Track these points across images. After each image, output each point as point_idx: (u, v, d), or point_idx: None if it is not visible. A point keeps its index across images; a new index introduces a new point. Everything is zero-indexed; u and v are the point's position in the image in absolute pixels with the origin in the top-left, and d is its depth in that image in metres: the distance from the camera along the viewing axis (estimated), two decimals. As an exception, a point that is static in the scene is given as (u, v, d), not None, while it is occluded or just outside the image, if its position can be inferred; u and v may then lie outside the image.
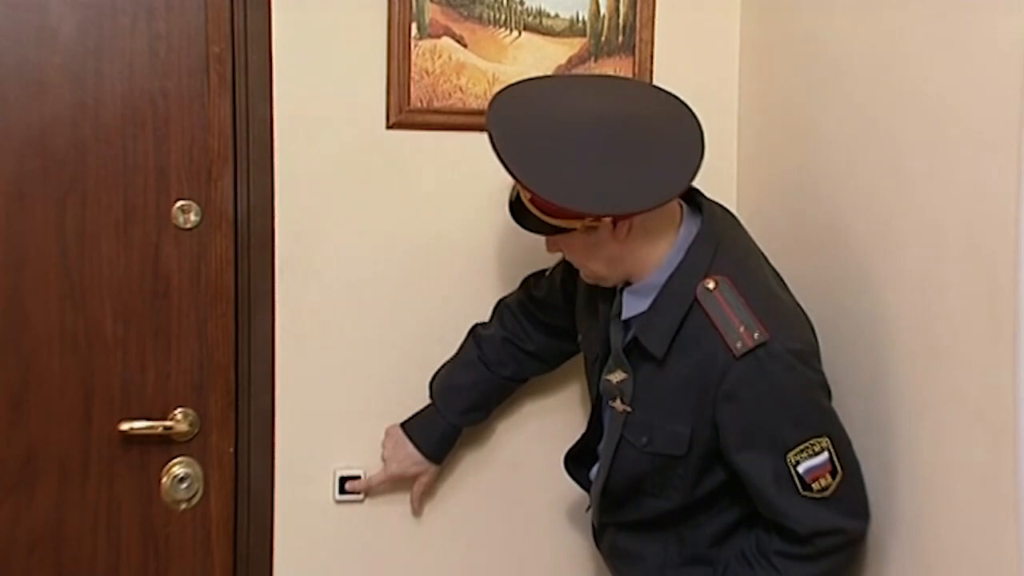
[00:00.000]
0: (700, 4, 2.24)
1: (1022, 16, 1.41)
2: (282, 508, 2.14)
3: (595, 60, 2.17)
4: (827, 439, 1.68)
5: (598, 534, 2.01)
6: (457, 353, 2.12)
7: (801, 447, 1.66)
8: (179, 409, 2.09)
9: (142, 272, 2.05)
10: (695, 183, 1.74)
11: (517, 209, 1.76)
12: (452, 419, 2.09)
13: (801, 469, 1.66)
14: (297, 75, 2.08)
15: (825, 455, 1.67)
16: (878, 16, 1.77)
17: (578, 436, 2.00)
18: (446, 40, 2.13)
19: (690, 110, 1.79)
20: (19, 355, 2.02)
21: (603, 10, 2.18)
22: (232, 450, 2.11)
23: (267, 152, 2.07)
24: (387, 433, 2.13)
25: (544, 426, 2.23)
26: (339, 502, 2.16)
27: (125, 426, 2.05)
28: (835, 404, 1.83)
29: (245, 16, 2.05)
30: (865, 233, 1.79)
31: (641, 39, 2.20)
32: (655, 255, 1.74)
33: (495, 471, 2.23)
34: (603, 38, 2.19)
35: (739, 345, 1.65)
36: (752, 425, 1.68)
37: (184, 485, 2.10)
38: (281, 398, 2.12)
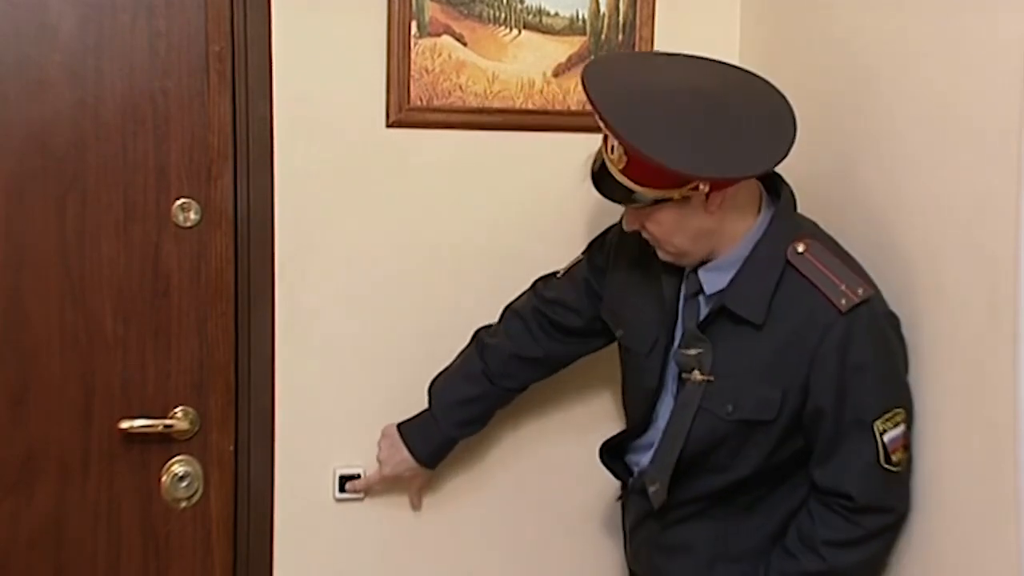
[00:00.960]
0: (700, 2, 2.24)
1: (1022, 15, 1.41)
2: (282, 506, 2.14)
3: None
4: (904, 411, 1.68)
5: (635, 529, 1.95)
6: (460, 361, 2.10)
7: (888, 416, 1.66)
8: (179, 407, 2.09)
9: (142, 271, 2.05)
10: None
11: (601, 179, 1.72)
12: (450, 431, 2.07)
13: (887, 439, 1.65)
14: (297, 73, 2.08)
15: (903, 427, 1.67)
16: (878, 16, 1.78)
17: (581, 433, 2.00)
18: (446, 38, 2.13)
19: (774, 87, 1.78)
20: (19, 353, 2.02)
21: (603, 8, 2.18)
22: (232, 449, 2.11)
23: (267, 151, 2.07)
24: (383, 433, 2.12)
25: (542, 425, 2.23)
26: (339, 500, 2.16)
27: (125, 424, 2.05)
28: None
29: (245, 14, 2.04)
30: (865, 232, 1.79)
31: (641, 37, 2.20)
32: (740, 230, 1.73)
33: (494, 470, 2.23)
34: (603, 36, 2.18)
35: (843, 301, 1.64)
36: (847, 385, 1.65)
37: (184, 483, 2.10)
38: (281, 397, 2.12)
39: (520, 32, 2.15)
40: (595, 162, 1.74)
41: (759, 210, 1.75)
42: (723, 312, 1.73)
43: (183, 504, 2.11)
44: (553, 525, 2.26)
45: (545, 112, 2.17)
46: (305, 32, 2.07)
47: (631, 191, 1.68)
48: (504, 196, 2.19)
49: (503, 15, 2.15)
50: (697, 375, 1.75)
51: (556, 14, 2.17)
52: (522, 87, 2.16)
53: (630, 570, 2.05)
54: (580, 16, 2.17)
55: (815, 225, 1.80)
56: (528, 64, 2.15)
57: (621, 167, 1.66)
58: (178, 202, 2.06)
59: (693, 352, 1.76)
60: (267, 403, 2.11)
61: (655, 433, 1.85)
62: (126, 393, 2.06)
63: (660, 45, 2.20)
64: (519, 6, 2.15)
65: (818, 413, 1.68)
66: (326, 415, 2.14)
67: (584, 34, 2.18)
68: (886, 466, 1.65)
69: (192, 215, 2.06)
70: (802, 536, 1.71)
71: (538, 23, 2.15)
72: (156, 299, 2.07)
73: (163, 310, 2.07)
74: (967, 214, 1.54)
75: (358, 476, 2.15)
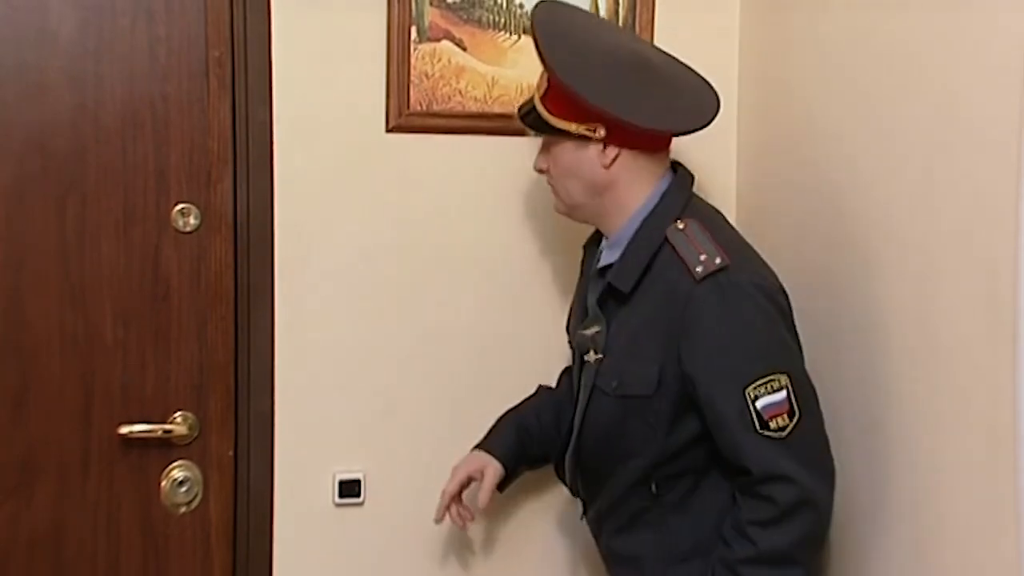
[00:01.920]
0: (699, 6, 2.25)
1: (1022, 15, 1.42)
2: (281, 511, 2.13)
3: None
4: (786, 377, 1.69)
5: (596, 539, 2.00)
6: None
7: (760, 381, 1.67)
8: (179, 412, 2.09)
9: (142, 274, 2.05)
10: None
11: (525, 110, 1.88)
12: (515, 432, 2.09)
13: (760, 404, 1.67)
14: (297, 78, 2.08)
15: (784, 393, 1.68)
16: (877, 17, 1.78)
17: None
18: (446, 44, 2.13)
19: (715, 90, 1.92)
20: (19, 357, 2.01)
21: (603, 13, 2.19)
22: (232, 453, 2.11)
23: (267, 155, 2.08)
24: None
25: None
26: (338, 505, 2.15)
27: (125, 429, 2.05)
28: (834, 405, 1.83)
29: (245, 19, 2.05)
30: (865, 232, 1.79)
31: (640, 42, 2.20)
32: (633, 200, 1.82)
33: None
34: (602, 41, 2.19)
35: (699, 269, 1.71)
36: (712, 353, 1.69)
37: (184, 488, 2.09)
38: (281, 401, 2.12)
39: (520, 37, 2.16)
40: (523, 100, 1.91)
41: (657, 184, 1.84)
42: (610, 288, 1.80)
43: (183, 509, 2.10)
44: (554, 531, 2.26)
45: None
46: (305, 37, 2.08)
47: (540, 117, 1.82)
48: (503, 201, 2.19)
49: (503, 20, 2.16)
50: (592, 355, 1.82)
51: (555, 19, 2.17)
52: (522, 92, 2.16)
53: None
54: (580, 21, 2.18)
55: (711, 209, 1.87)
56: (528, 69, 2.15)
57: (540, 94, 1.83)
58: (178, 206, 2.06)
59: (590, 332, 1.83)
60: (267, 407, 2.11)
61: None
62: (125, 397, 2.06)
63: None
64: (519, 11, 2.16)
65: (693, 384, 1.71)
66: (326, 419, 2.14)
67: (583, 39, 2.18)
68: (764, 432, 1.67)
69: (192, 219, 2.06)
70: (733, 522, 1.72)
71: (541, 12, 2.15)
72: (156, 303, 2.07)
73: (163, 314, 2.07)
74: (967, 215, 1.54)
75: (358, 480, 2.15)
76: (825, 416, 1.85)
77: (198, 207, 2.07)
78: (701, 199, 1.88)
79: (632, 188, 1.83)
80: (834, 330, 1.88)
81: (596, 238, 1.98)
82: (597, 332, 1.82)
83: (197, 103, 2.05)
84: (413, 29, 2.11)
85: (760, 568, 1.69)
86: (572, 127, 1.80)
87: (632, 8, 2.19)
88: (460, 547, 2.22)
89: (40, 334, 2.02)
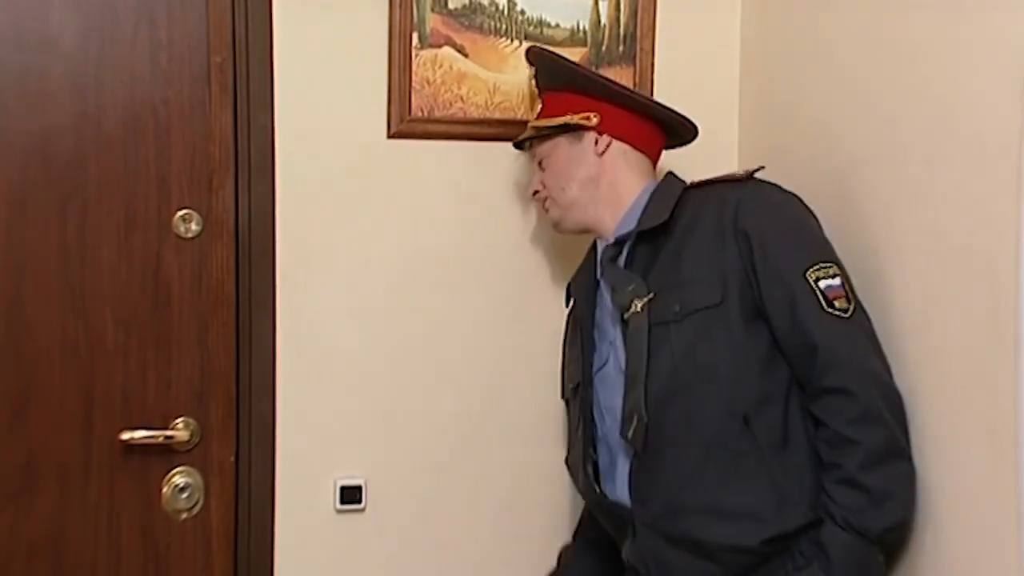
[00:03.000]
0: (700, 14, 2.25)
1: (1022, 17, 1.42)
2: (283, 517, 2.13)
3: (596, 69, 2.17)
4: (838, 268, 1.73)
5: (667, 530, 1.78)
6: None
7: (817, 266, 1.71)
8: (180, 418, 2.08)
9: (143, 281, 2.05)
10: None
11: (521, 142, 2.02)
12: None
13: (823, 285, 1.70)
14: (298, 84, 2.08)
15: (839, 279, 1.71)
16: (878, 22, 1.78)
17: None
18: (447, 50, 2.13)
19: None
20: (20, 363, 2.01)
21: (604, 20, 2.19)
22: (233, 459, 2.11)
23: (268, 161, 2.08)
24: None
25: (544, 437, 2.23)
26: (340, 511, 2.15)
27: (126, 435, 2.04)
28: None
29: (246, 25, 2.05)
30: (865, 237, 1.79)
31: (642, 48, 2.20)
32: (625, 190, 1.90)
33: (495, 482, 2.22)
34: (604, 48, 2.19)
35: (740, 174, 1.84)
36: (771, 248, 1.72)
37: (185, 494, 2.09)
38: (282, 407, 2.11)
39: (521, 43, 2.16)
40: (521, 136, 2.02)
41: (650, 178, 1.93)
42: (639, 239, 1.84)
43: (184, 515, 2.10)
44: (554, 537, 2.25)
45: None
46: (306, 43, 2.08)
47: (536, 128, 1.94)
48: (505, 207, 2.19)
49: (504, 26, 2.16)
50: (638, 304, 1.79)
51: (557, 25, 2.17)
52: (523, 98, 2.16)
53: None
54: (581, 27, 2.18)
55: None
56: (529, 75, 2.15)
57: (536, 115, 1.96)
58: (179, 213, 2.06)
59: (629, 288, 1.81)
60: (268, 413, 2.11)
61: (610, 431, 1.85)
62: (127, 403, 2.06)
63: (661, 56, 2.21)
64: (520, 17, 2.16)
65: (756, 278, 1.73)
66: (327, 425, 2.14)
67: (585, 45, 2.18)
68: (830, 311, 1.68)
69: (193, 226, 2.06)
70: (826, 440, 1.67)
71: (539, 34, 2.15)
72: (157, 309, 2.06)
73: (164, 320, 2.07)
74: (968, 218, 1.54)
75: (359, 487, 2.15)
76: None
77: (200, 213, 2.06)
78: None
79: (625, 179, 1.90)
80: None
81: (583, 270, 2.01)
82: (633, 287, 1.80)
83: (199, 109, 2.06)
84: (415, 35, 2.11)
85: (875, 469, 1.63)
86: (568, 118, 1.89)
87: (634, 14, 2.19)
88: (461, 554, 2.22)
89: (41, 340, 2.02)
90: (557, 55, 1.95)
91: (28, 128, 1.99)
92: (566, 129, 1.91)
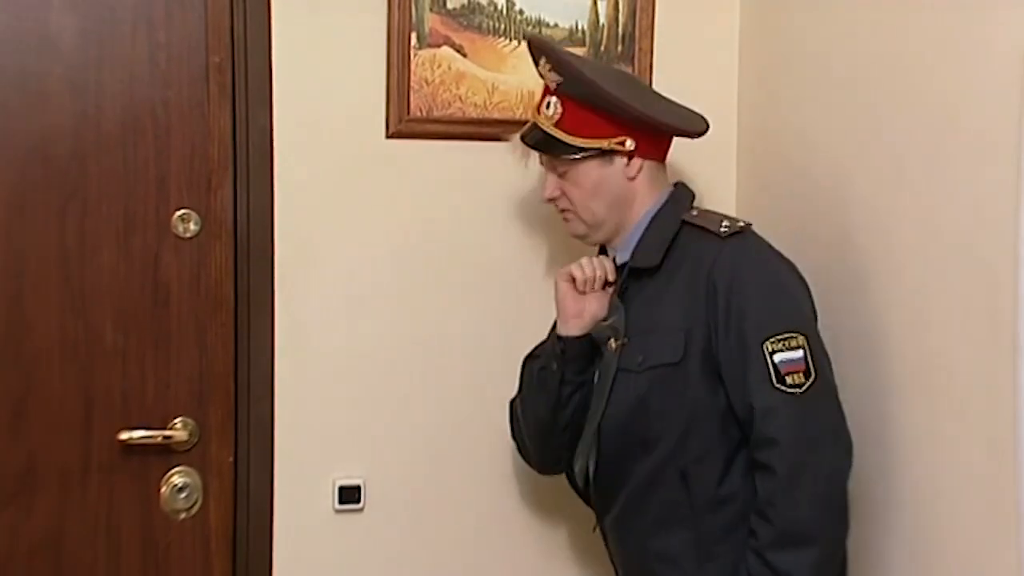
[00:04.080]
0: (699, 13, 2.25)
1: (1021, 20, 1.41)
2: (281, 517, 2.13)
3: (595, 69, 2.17)
4: (804, 338, 1.71)
5: (617, 542, 1.92)
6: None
7: (778, 337, 1.69)
8: (179, 418, 2.08)
9: (142, 281, 2.06)
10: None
11: (532, 137, 1.92)
12: None
13: (777, 359, 1.68)
14: (297, 84, 2.08)
15: (801, 352, 1.70)
16: (876, 25, 1.78)
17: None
18: (446, 50, 2.13)
19: None
20: (19, 364, 2.01)
21: (602, 19, 2.19)
22: (232, 459, 2.11)
23: (267, 161, 2.08)
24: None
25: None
26: (338, 511, 2.15)
27: (125, 435, 2.05)
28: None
29: (245, 25, 2.05)
30: (864, 239, 1.79)
31: (640, 48, 2.20)
32: (642, 207, 1.88)
33: (494, 481, 2.22)
34: (603, 47, 2.19)
35: (724, 229, 1.78)
36: (735, 309, 1.72)
37: (183, 494, 2.09)
38: (280, 407, 2.11)
39: (520, 43, 2.15)
40: (525, 131, 1.94)
41: (662, 190, 1.90)
42: (631, 274, 1.85)
43: (182, 515, 2.10)
44: (554, 534, 2.25)
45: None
46: (305, 43, 2.08)
47: (562, 141, 1.85)
48: (503, 207, 2.19)
49: (503, 26, 2.16)
50: (612, 343, 1.83)
51: (556, 25, 2.17)
52: (522, 98, 2.16)
53: None
54: (580, 27, 2.18)
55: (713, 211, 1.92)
56: (528, 75, 2.14)
57: (555, 121, 1.86)
58: (178, 213, 2.06)
59: (610, 320, 1.84)
60: (267, 414, 2.11)
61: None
62: (126, 404, 2.06)
63: (660, 56, 2.21)
64: (519, 17, 2.16)
65: (716, 338, 1.73)
66: (326, 426, 2.14)
67: (584, 45, 2.18)
68: (779, 386, 1.68)
69: (192, 226, 2.06)
70: (756, 506, 1.71)
71: (538, 34, 2.15)
72: (156, 309, 2.07)
73: (163, 320, 2.07)
74: (967, 222, 1.54)
75: (358, 487, 2.15)
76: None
77: (198, 213, 2.07)
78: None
79: (646, 198, 1.88)
80: (834, 338, 1.87)
81: None
82: (616, 319, 1.83)
83: (197, 109, 2.06)
84: (413, 35, 2.11)
85: (783, 551, 1.66)
86: (604, 143, 1.84)
87: (632, 14, 2.19)
88: (459, 554, 2.22)
89: (41, 340, 2.02)
90: (586, 68, 1.87)
91: (27, 129, 2.00)
92: (599, 153, 1.85)
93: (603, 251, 1.98)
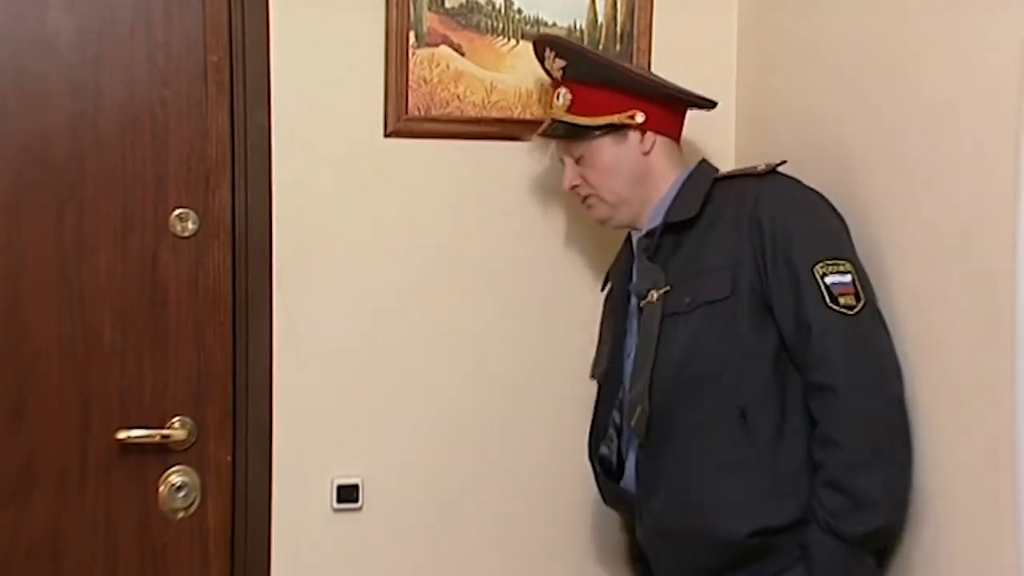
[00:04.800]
0: (697, 13, 2.25)
1: (1021, 17, 1.41)
2: (280, 516, 2.13)
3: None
4: (851, 265, 1.71)
5: (659, 506, 1.83)
6: None
7: (828, 261, 1.70)
8: (177, 417, 2.08)
9: (140, 280, 2.06)
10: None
11: (550, 129, 1.96)
12: None
13: (828, 281, 1.69)
14: (295, 83, 2.08)
15: (850, 277, 1.70)
16: (875, 22, 1.78)
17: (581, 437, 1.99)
18: (444, 49, 2.13)
19: None
20: (17, 363, 2.01)
21: (600, 19, 2.19)
22: (230, 458, 2.11)
23: (265, 160, 2.08)
24: None
25: (541, 435, 2.23)
26: (336, 510, 2.15)
27: (123, 435, 2.05)
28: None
29: (243, 25, 2.05)
30: (863, 237, 1.79)
31: (638, 48, 2.20)
32: (665, 183, 1.91)
33: (492, 480, 2.22)
34: (601, 47, 2.19)
35: (761, 168, 1.83)
36: (781, 238, 1.73)
37: (182, 494, 2.09)
38: (279, 406, 2.11)
39: (518, 42, 2.16)
40: (543, 128, 1.99)
41: (682, 169, 1.93)
42: (666, 230, 1.86)
43: (180, 514, 2.10)
44: (553, 531, 2.25)
45: (543, 122, 2.16)
46: (303, 42, 2.08)
47: (576, 125, 1.89)
48: (502, 206, 2.19)
49: (501, 25, 2.16)
50: (654, 294, 1.82)
51: (554, 24, 2.17)
52: (520, 97, 2.16)
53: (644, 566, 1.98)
54: (578, 26, 2.18)
55: None
56: (526, 74, 2.16)
57: (567, 107, 1.91)
58: (176, 212, 2.06)
59: (648, 278, 1.84)
60: (265, 413, 2.11)
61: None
62: (123, 403, 2.06)
63: (657, 55, 2.21)
64: (517, 16, 2.16)
65: (765, 271, 1.73)
66: (324, 425, 2.14)
67: (582, 44, 2.18)
68: (832, 306, 1.67)
69: (190, 225, 2.06)
70: (818, 437, 1.68)
71: (536, 33, 2.15)
72: (154, 309, 2.07)
73: (161, 320, 2.07)
74: (966, 219, 1.54)
75: (356, 486, 2.15)
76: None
77: (196, 212, 2.07)
78: None
79: (666, 174, 1.91)
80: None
81: (620, 258, 2.02)
82: (656, 278, 1.83)
83: (196, 108, 2.06)
84: (411, 34, 2.11)
85: (857, 473, 1.63)
86: (613, 118, 1.87)
87: (631, 13, 2.19)
88: (458, 553, 2.22)
89: (39, 340, 2.02)
90: (589, 49, 1.94)
91: (25, 128, 1.99)
92: (611, 129, 1.89)
93: (628, 239, 1.98)
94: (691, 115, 1.98)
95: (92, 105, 2.02)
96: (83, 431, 2.05)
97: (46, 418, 2.03)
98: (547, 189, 2.18)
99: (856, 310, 1.68)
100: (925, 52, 1.64)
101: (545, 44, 1.97)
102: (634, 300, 1.91)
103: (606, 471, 1.96)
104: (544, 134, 1.99)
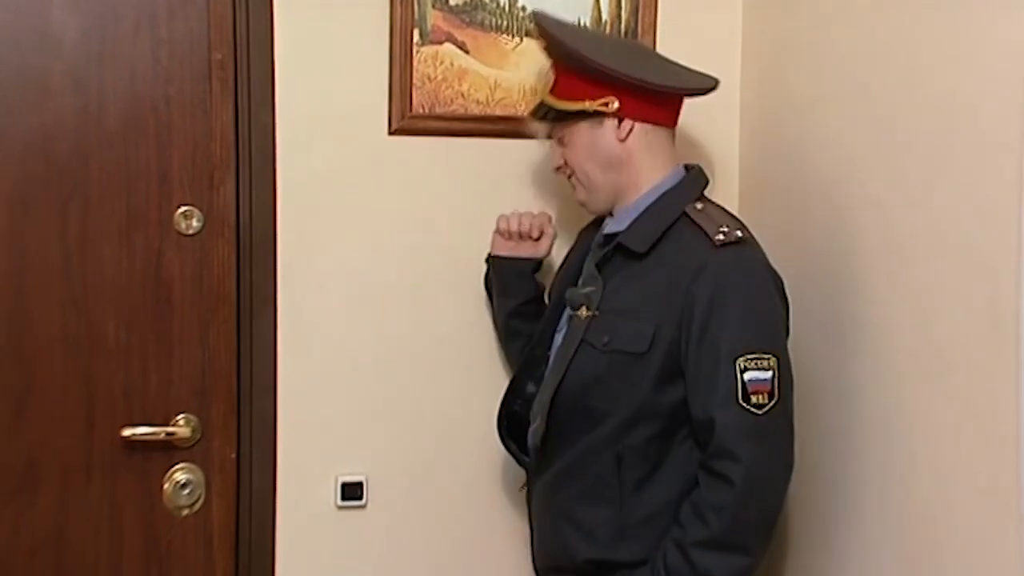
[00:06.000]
0: (701, 10, 2.25)
1: (1022, 18, 1.41)
2: (284, 514, 2.13)
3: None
4: (775, 360, 1.72)
5: (540, 503, 1.95)
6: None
7: (752, 356, 1.71)
8: (181, 415, 2.09)
9: (144, 278, 2.06)
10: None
11: (536, 110, 1.97)
12: None
13: (747, 377, 1.70)
14: (299, 81, 2.08)
15: (770, 374, 1.71)
16: (879, 22, 1.78)
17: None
18: (448, 46, 2.13)
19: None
20: (22, 360, 2.02)
21: (605, 16, 2.19)
22: (234, 456, 2.11)
23: (269, 158, 2.08)
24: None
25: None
26: (341, 508, 2.15)
27: (127, 432, 2.05)
28: (834, 408, 1.84)
29: (247, 22, 2.05)
30: (867, 236, 1.79)
31: (643, 45, 2.20)
32: (648, 178, 1.87)
33: (496, 478, 2.22)
34: (605, 44, 2.18)
35: (719, 238, 1.76)
36: (714, 318, 1.72)
37: (186, 491, 2.09)
38: (283, 404, 2.12)
39: (522, 40, 2.16)
40: (535, 106, 1.99)
41: (671, 164, 1.89)
42: (617, 249, 1.85)
43: (185, 512, 2.10)
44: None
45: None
46: (307, 39, 2.08)
47: (553, 107, 1.89)
48: (506, 204, 2.18)
49: (505, 23, 2.16)
50: (584, 311, 1.84)
51: (558, 22, 2.17)
52: (524, 95, 2.16)
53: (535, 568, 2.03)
54: (582, 23, 2.18)
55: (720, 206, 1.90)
56: (530, 72, 2.15)
57: (549, 89, 1.91)
58: (180, 209, 2.06)
59: (585, 290, 1.86)
60: (269, 410, 2.11)
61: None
62: (128, 400, 2.06)
63: (662, 52, 2.20)
64: (521, 14, 2.16)
65: (686, 344, 1.74)
66: (328, 422, 2.14)
67: (586, 42, 2.17)
68: (742, 403, 1.69)
69: (194, 222, 2.06)
70: (690, 503, 1.73)
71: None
72: (158, 306, 2.07)
73: (165, 317, 2.07)
74: (968, 218, 1.54)
75: (360, 483, 2.15)
76: (826, 419, 1.85)
77: (201, 210, 2.07)
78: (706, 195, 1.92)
79: (647, 165, 1.87)
80: (835, 334, 1.88)
81: (596, 222, 2.01)
82: (592, 291, 1.85)
83: (200, 106, 2.05)
84: (415, 32, 2.11)
85: (710, 553, 1.69)
86: (586, 104, 1.84)
87: (635, 11, 2.19)
88: (461, 550, 2.22)
89: (43, 338, 2.02)
90: (565, 35, 1.89)
91: (29, 126, 1.99)
92: (585, 115, 1.87)
93: (597, 224, 1.98)
94: (695, 113, 1.97)
95: (96, 102, 2.02)
96: (87, 428, 2.05)
97: (50, 415, 2.04)
98: (552, 186, 2.18)
99: (765, 409, 1.70)
100: (930, 50, 1.64)
101: (535, 21, 1.95)
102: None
103: (512, 429, 2.02)
104: (532, 114, 2.00)
